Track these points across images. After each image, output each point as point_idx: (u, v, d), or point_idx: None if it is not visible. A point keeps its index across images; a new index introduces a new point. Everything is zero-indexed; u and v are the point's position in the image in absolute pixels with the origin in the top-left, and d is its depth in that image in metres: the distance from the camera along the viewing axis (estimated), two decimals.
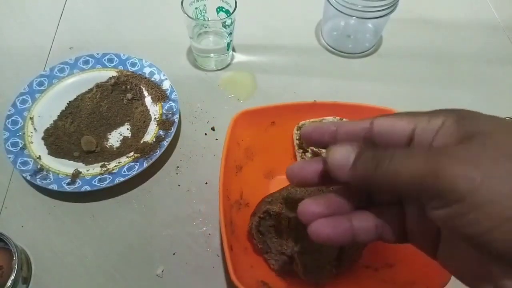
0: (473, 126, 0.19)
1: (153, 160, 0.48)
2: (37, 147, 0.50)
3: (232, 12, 0.53)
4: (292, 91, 0.59)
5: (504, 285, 0.18)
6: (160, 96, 0.54)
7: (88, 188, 0.46)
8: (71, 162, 0.50)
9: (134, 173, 0.47)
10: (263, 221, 0.41)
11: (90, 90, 0.56)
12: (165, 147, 0.49)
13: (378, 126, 0.23)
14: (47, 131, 0.52)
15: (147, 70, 0.56)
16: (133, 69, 0.57)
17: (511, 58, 0.65)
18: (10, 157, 0.48)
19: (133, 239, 0.46)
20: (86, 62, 0.57)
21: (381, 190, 0.21)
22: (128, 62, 0.57)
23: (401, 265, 0.40)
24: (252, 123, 0.45)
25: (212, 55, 0.60)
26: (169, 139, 0.50)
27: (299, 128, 0.48)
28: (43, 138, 0.51)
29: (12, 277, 0.39)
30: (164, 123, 0.52)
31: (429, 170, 0.18)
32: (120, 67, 0.57)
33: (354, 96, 0.56)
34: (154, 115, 0.53)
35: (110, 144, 0.52)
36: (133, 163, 0.48)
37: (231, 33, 0.57)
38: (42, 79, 0.55)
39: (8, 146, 0.49)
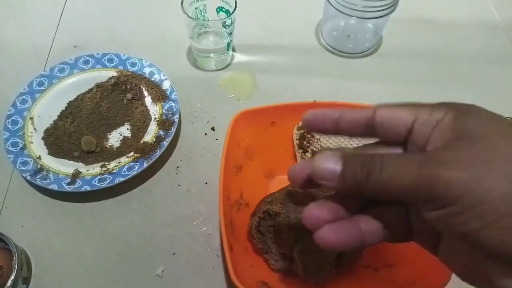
0: (470, 125, 0.19)
1: (153, 160, 0.48)
2: (37, 147, 0.50)
3: (232, 12, 0.53)
4: (292, 91, 0.59)
5: (501, 283, 0.19)
6: (160, 96, 0.54)
7: (88, 188, 0.46)
8: (71, 162, 0.50)
9: (134, 173, 0.47)
10: (263, 221, 0.41)
11: (90, 90, 0.56)
12: (165, 147, 0.49)
13: (380, 117, 0.23)
14: (47, 131, 0.52)
15: (147, 70, 0.56)
16: (133, 69, 0.57)
17: (511, 58, 0.65)
18: (10, 157, 0.48)
19: (133, 239, 0.46)
20: (86, 62, 0.57)
21: (372, 197, 0.21)
22: (128, 62, 0.57)
23: (401, 265, 0.40)
24: (252, 123, 0.45)
25: (212, 55, 0.60)
26: (169, 139, 0.50)
27: (299, 128, 0.48)
28: (43, 138, 0.51)
29: (12, 277, 0.39)
30: (164, 123, 0.52)
31: (422, 177, 0.18)
32: (120, 67, 0.57)
33: (354, 96, 0.56)
34: (154, 115, 0.53)
35: (110, 144, 0.52)
36: (133, 163, 0.48)
37: (231, 33, 0.57)
38: (42, 79, 0.55)
39: (8, 146, 0.49)
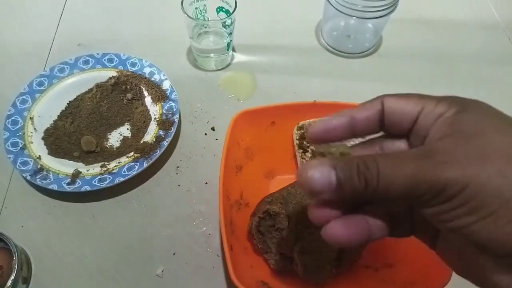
0: (468, 121, 0.19)
1: (153, 160, 0.48)
2: (37, 147, 0.50)
3: (232, 12, 0.53)
4: (292, 91, 0.59)
5: (493, 277, 0.19)
6: (160, 96, 0.54)
7: (88, 188, 0.46)
8: (71, 162, 0.50)
9: (134, 173, 0.47)
10: (263, 221, 0.41)
11: (90, 90, 0.56)
12: (165, 147, 0.49)
13: (389, 108, 0.22)
14: (47, 131, 0.52)
15: (147, 70, 0.56)
16: (133, 69, 0.57)
17: (511, 58, 0.65)
18: (10, 157, 0.48)
19: (133, 239, 0.46)
20: (86, 62, 0.57)
21: (370, 201, 0.20)
22: (128, 62, 0.57)
23: (401, 265, 0.40)
24: (252, 123, 0.45)
25: (212, 55, 0.60)
26: (169, 139, 0.50)
27: (299, 128, 0.48)
28: (43, 138, 0.51)
29: (12, 277, 0.39)
30: (164, 123, 0.52)
31: (419, 178, 0.18)
32: (120, 67, 0.57)
33: (354, 96, 0.56)
34: (154, 115, 0.53)
35: (110, 144, 0.52)
36: (133, 163, 0.48)
37: (231, 33, 0.57)
38: (42, 79, 0.55)
39: (8, 146, 0.49)
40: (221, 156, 0.41)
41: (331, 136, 0.23)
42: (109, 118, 0.54)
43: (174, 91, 0.54)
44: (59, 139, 0.51)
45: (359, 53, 0.64)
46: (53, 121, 0.53)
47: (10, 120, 0.51)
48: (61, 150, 0.50)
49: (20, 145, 0.49)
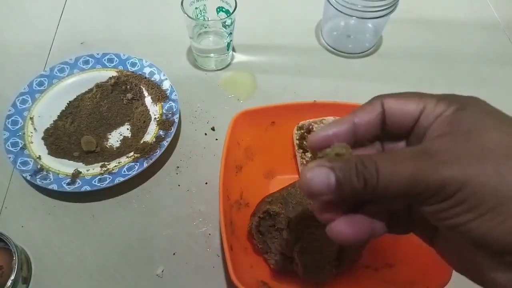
0: (466, 120, 0.19)
1: (153, 160, 0.48)
2: (37, 147, 0.50)
3: (232, 12, 0.53)
4: (292, 91, 0.59)
5: (490, 275, 0.19)
6: (160, 96, 0.54)
7: (88, 188, 0.46)
8: (71, 162, 0.50)
9: (134, 173, 0.47)
10: (263, 221, 0.41)
11: (90, 90, 0.56)
12: (165, 147, 0.49)
13: (390, 109, 0.22)
14: (47, 131, 0.52)
15: (147, 70, 0.56)
16: (133, 69, 0.57)
17: (511, 58, 0.65)
18: (10, 157, 0.48)
19: (133, 239, 0.46)
20: (86, 62, 0.57)
21: (369, 200, 0.21)
22: (128, 62, 0.57)
23: (401, 265, 0.40)
24: (252, 123, 0.45)
25: (212, 55, 0.60)
26: (169, 139, 0.50)
27: (299, 128, 0.48)
28: (43, 138, 0.51)
29: (12, 277, 0.39)
30: (164, 123, 0.52)
31: (418, 177, 0.18)
32: (120, 67, 0.57)
33: (354, 96, 0.56)
34: (154, 115, 0.53)
35: (110, 144, 0.52)
36: (133, 163, 0.48)
37: (231, 33, 0.57)
38: (42, 79, 0.55)
39: (8, 146, 0.49)
40: (221, 156, 0.41)
41: (332, 143, 0.23)
42: (109, 118, 0.54)
43: (174, 91, 0.54)
44: (59, 139, 0.51)
45: (359, 53, 0.64)
46: (53, 121, 0.53)
47: (10, 120, 0.51)
48: (61, 150, 0.50)
49: (20, 145, 0.49)
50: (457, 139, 0.19)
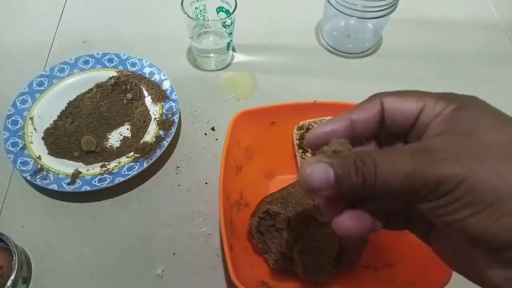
0: (465, 119, 0.19)
1: (153, 160, 0.48)
2: (37, 147, 0.50)
3: (232, 12, 0.53)
4: (292, 91, 0.59)
5: (486, 272, 0.19)
6: (160, 96, 0.54)
7: (88, 188, 0.46)
8: (71, 162, 0.50)
9: (134, 173, 0.47)
10: (263, 221, 0.41)
11: (90, 90, 0.56)
12: (165, 147, 0.49)
13: (389, 108, 0.22)
14: (47, 131, 0.52)
15: (147, 70, 0.56)
16: (133, 69, 0.57)
17: (511, 58, 0.65)
18: (10, 157, 0.48)
19: (133, 239, 0.46)
20: (86, 62, 0.57)
21: (368, 196, 0.21)
22: (128, 62, 0.57)
23: (401, 265, 0.40)
24: (252, 123, 0.45)
25: (212, 55, 0.60)
26: (169, 139, 0.50)
27: (299, 128, 0.48)
28: (43, 138, 0.51)
29: (12, 277, 0.39)
30: (164, 123, 0.52)
31: (416, 174, 0.18)
32: (120, 67, 0.57)
33: (354, 96, 0.55)
34: (154, 115, 0.53)
35: (110, 144, 0.52)
36: (133, 163, 0.48)
37: (231, 33, 0.57)
38: (42, 79, 0.55)
39: (8, 146, 0.49)
40: (221, 156, 0.41)
41: (329, 141, 0.23)
42: (109, 118, 0.54)
43: (174, 91, 0.54)
44: (59, 139, 0.51)
45: (359, 53, 0.64)
46: (53, 121, 0.53)
47: (10, 120, 0.51)
48: (61, 150, 0.50)
49: (20, 145, 0.49)
50: (456, 138, 0.19)
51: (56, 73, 0.55)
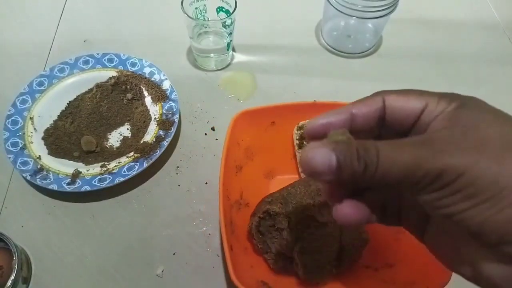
0: (466, 116, 0.20)
1: (153, 160, 0.48)
2: (37, 147, 0.50)
3: (232, 12, 0.53)
4: (292, 91, 0.59)
5: (482, 267, 0.19)
6: (160, 96, 0.54)
7: (88, 188, 0.46)
8: (71, 162, 0.50)
9: (134, 173, 0.47)
10: (263, 221, 0.41)
11: (90, 90, 0.56)
12: (165, 147, 0.49)
13: (390, 105, 0.23)
14: (47, 131, 0.52)
15: (147, 70, 0.56)
16: (133, 69, 0.57)
17: (511, 58, 0.65)
18: (10, 157, 0.48)
19: (133, 239, 0.46)
20: (86, 62, 0.57)
21: (368, 185, 0.21)
22: (128, 62, 0.57)
23: (401, 265, 0.40)
24: (252, 123, 0.45)
25: (212, 55, 0.60)
26: (169, 139, 0.50)
27: (299, 128, 0.48)
28: (43, 138, 0.51)
29: (12, 277, 0.39)
30: (164, 123, 0.52)
31: (418, 163, 0.18)
32: (120, 67, 0.57)
33: (354, 96, 0.55)
34: (154, 115, 0.53)
35: (110, 144, 0.52)
36: (133, 163, 0.48)
37: (231, 33, 0.57)
38: (42, 79, 0.55)
39: (8, 146, 0.49)
40: (221, 156, 0.41)
41: (328, 132, 0.23)
42: (109, 118, 0.54)
43: (174, 91, 0.54)
44: (59, 139, 0.51)
45: (359, 53, 0.64)
46: (53, 121, 0.53)
47: (10, 120, 0.51)
48: (61, 150, 0.50)
49: (20, 145, 0.49)
50: (457, 133, 0.19)
51: (56, 73, 0.55)
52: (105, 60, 0.57)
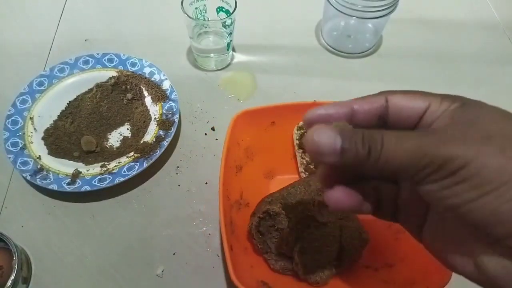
0: (470, 113, 0.20)
1: (153, 160, 0.48)
2: (37, 147, 0.50)
3: (232, 12, 0.53)
4: (292, 91, 0.59)
5: (483, 261, 0.19)
6: (160, 96, 0.54)
7: (88, 188, 0.46)
8: (71, 162, 0.50)
9: (134, 173, 0.47)
10: (263, 221, 0.41)
11: (90, 90, 0.56)
12: (165, 147, 0.49)
13: (395, 105, 0.23)
14: (47, 131, 0.52)
15: (147, 70, 0.56)
16: (133, 69, 0.57)
17: (511, 58, 0.65)
18: (10, 157, 0.48)
19: (133, 239, 0.46)
20: (86, 62, 0.57)
21: (370, 172, 0.21)
22: (128, 62, 0.57)
23: (401, 265, 0.40)
24: (252, 123, 0.45)
25: (212, 55, 0.60)
26: (169, 139, 0.50)
27: (299, 128, 0.48)
28: (43, 138, 0.51)
29: (12, 277, 0.39)
30: (164, 123, 0.52)
31: (422, 151, 0.18)
32: (120, 67, 0.57)
33: (354, 96, 0.55)
34: (154, 115, 0.53)
35: (110, 144, 0.52)
36: (133, 163, 0.48)
37: (231, 33, 0.57)
38: (42, 79, 0.55)
39: (8, 146, 0.49)
40: (221, 156, 0.41)
41: (326, 122, 0.24)
42: (109, 118, 0.54)
43: (174, 91, 0.54)
44: (59, 139, 0.51)
45: (359, 53, 0.64)
46: (53, 121, 0.53)
47: (10, 120, 0.51)
48: (61, 150, 0.50)
49: (20, 145, 0.49)
50: (462, 126, 0.19)
51: (56, 73, 0.55)
52: (105, 60, 0.57)
